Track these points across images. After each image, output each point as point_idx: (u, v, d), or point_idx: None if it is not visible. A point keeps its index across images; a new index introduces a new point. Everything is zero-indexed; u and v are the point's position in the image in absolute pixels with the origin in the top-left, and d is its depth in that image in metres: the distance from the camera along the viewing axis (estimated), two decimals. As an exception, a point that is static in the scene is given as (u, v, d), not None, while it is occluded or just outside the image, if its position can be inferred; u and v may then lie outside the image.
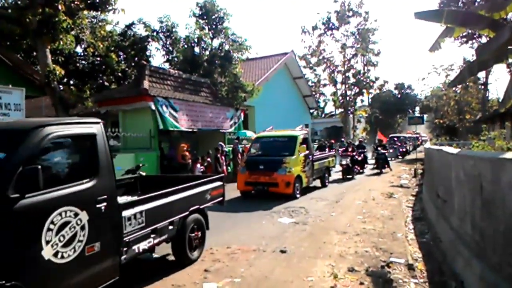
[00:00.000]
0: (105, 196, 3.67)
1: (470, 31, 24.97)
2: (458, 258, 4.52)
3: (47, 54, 10.82)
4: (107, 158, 3.82)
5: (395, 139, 27.61)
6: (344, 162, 15.12)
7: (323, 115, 45.12)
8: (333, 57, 34.32)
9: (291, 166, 10.33)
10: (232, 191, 11.08)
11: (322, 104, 44.33)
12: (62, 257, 3.20)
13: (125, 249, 3.97)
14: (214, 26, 17.73)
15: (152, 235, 4.48)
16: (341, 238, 6.51)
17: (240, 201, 10.66)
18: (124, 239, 3.96)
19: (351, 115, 34.87)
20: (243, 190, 10.93)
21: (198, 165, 12.22)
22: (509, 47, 7.16)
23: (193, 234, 5.31)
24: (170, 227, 4.88)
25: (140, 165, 10.66)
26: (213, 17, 17.68)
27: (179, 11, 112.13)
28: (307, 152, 11.34)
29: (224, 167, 13.43)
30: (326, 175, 13.42)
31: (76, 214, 3.34)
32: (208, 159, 13.33)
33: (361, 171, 16.97)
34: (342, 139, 20.56)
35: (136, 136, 12.41)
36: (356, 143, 19.98)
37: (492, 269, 3.57)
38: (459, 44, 28.23)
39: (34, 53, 13.24)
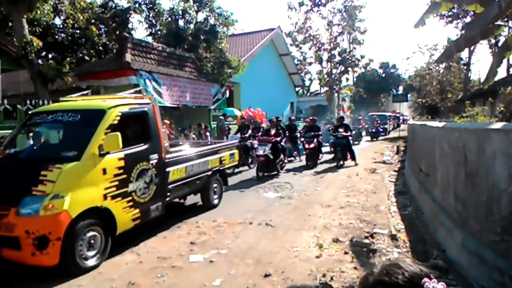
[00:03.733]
0: None
1: (456, 11, 25.06)
2: (440, 228, 4.64)
3: (23, 24, 10.33)
4: None
5: (359, 118, 24.40)
6: (260, 152, 10.05)
7: (308, 94, 45.04)
8: (320, 34, 33.95)
9: (62, 191, 4.01)
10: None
11: (307, 83, 44.21)
12: None
13: None
14: (199, -1, 17.21)
15: None
16: (326, 211, 6.60)
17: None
18: None
19: (336, 94, 34.88)
20: None
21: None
22: (495, 23, 7.24)
23: None
24: None
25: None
26: (198, -11, 17.13)
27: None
28: (138, 147, 5.06)
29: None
30: (215, 185, 7.12)
31: None
32: (193, 136, 13.21)
33: (311, 164, 11.80)
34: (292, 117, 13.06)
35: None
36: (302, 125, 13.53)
37: (474, 236, 3.68)
38: (444, 24, 28.30)
39: (10, 24, 12.60)
